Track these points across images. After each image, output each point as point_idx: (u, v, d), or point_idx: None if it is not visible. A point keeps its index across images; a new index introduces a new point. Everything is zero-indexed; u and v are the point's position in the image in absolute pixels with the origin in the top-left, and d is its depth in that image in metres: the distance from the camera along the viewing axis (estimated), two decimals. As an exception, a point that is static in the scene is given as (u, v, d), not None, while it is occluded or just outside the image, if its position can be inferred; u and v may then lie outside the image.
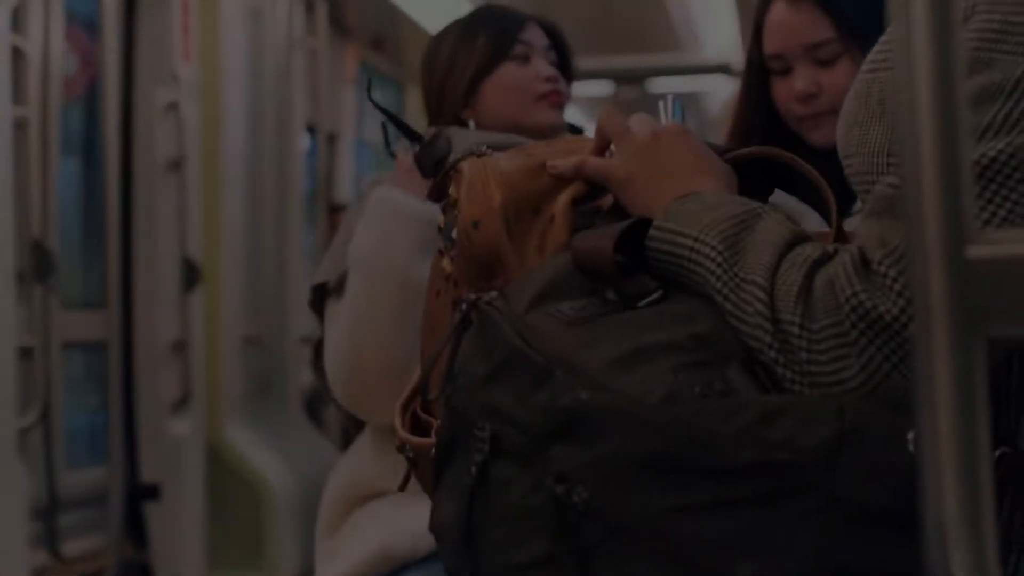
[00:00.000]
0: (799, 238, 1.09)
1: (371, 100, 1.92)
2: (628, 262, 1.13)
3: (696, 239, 1.10)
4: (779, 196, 1.91)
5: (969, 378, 0.72)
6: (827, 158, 1.37)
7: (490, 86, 2.08)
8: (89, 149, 4.47)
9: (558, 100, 2.09)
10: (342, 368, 1.89)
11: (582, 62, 2.32)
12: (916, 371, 0.72)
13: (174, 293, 4.57)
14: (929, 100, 0.70)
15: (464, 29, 2.12)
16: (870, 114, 1.13)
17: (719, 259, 1.09)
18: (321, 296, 2.02)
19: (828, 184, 1.20)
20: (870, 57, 1.17)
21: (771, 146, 1.78)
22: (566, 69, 2.18)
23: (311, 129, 5.94)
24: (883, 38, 1.19)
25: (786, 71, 1.94)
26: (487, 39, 2.09)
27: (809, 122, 1.93)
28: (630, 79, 8.26)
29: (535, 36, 2.12)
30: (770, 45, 1.95)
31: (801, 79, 1.91)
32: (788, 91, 1.93)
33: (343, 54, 6.68)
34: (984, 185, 1.01)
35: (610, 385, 1.03)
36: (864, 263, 1.02)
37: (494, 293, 1.15)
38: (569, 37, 2.22)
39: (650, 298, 1.11)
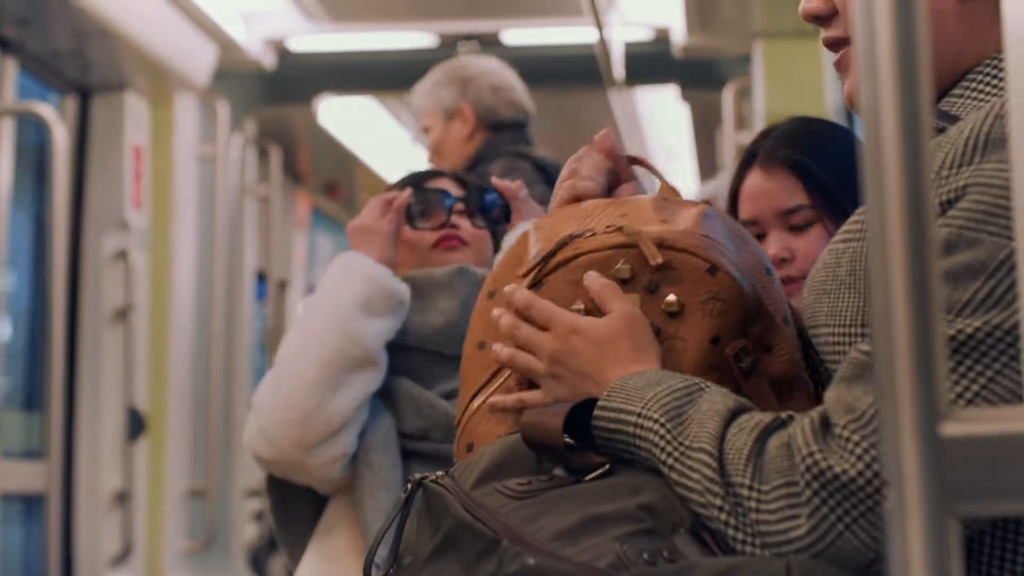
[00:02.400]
0: (743, 407, 1.12)
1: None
2: (576, 440, 1.15)
3: (639, 414, 1.14)
4: None
5: (943, 557, 0.72)
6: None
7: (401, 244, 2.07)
8: (35, 295, 4.42)
9: (452, 244, 2.08)
10: (259, 405, 1.87)
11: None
12: (889, 549, 0.72)
13: (118, 442, 4.48)
14: (903, 278, 0.70)
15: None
16: (839, 284, 1.15)
17: (662, 431, 1.11)
18: None
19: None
20: (842, 228, 1.19)
21: None
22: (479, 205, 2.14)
23: (261, 275, 5.92)
24: (856, 211, 1.20)
25: (760, 238, 1.95)
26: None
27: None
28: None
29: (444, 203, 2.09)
30: (744, 211, 1.98)
31: (774, 244, 1.93)
32: None
33: (295, 199, 6.71)
34: (959, 360, 1.02)
35: (557, 553, 1.03)
36: (824, 426, 1.04)
37: (440, 472, 1.18)
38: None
39: (597, 472, 1.13)
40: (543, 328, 1.28)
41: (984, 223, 1.04)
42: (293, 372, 1.84)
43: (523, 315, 1.30)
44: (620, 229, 1.32)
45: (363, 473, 1.85)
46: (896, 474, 0.72)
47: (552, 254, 1.32)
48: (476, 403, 1.35)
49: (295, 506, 1.97)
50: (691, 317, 1.29)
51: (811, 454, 1.03)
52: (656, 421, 1.12)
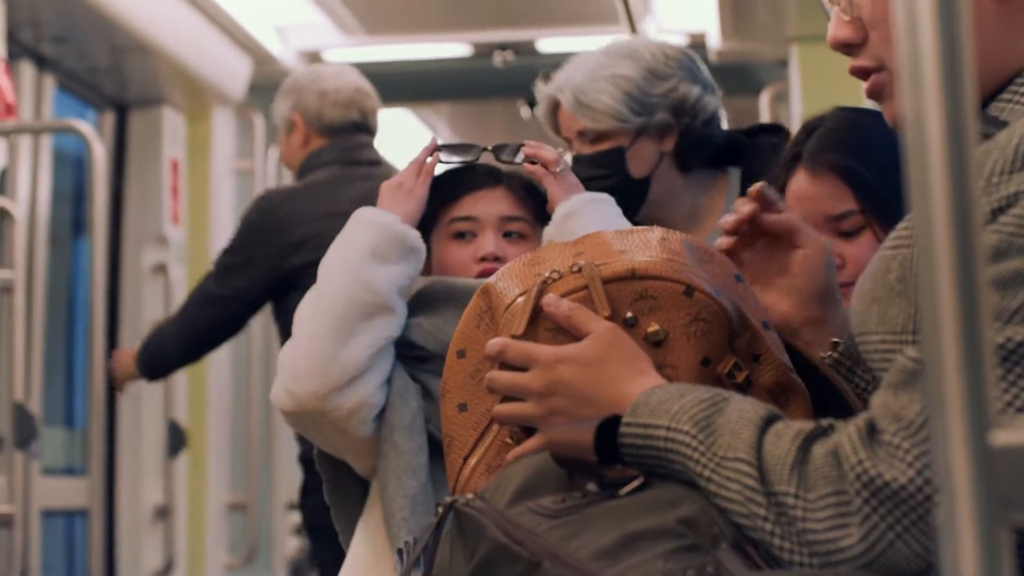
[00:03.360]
0: (774, 415, 1.11)
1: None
2: (603, 458, 1.14)
3: (668, 428, 1.12)
4: None
5: (995, 567, 0.72)
6: None
7: (434, 258, 2.00)
8: (73, 307, 4.45)
9: (493, 271, 2.00)
10: (281, 362, 1.87)
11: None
12: (941, 559, 0.72)
13: (158, 457, 4.50)
14: (951, 286, 0.69)
15: (435, 180, 2.06)
16: (889, 290, 1.13)
17: (694, 443, 1.10)
18: None
19: None
20: (892, 235, 1.18)
21: None
22: (541, 213, 2.04)
23: (299, 289, 5.93)
24: (906, 217, 1.19)
25: None
26: (436, 207, 1.99)
27: None
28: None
29: (485, 208, 1.99)
30: (791, 208, 1.94)
31: None
32: None
33: (331, 214, 6.71)
34: (1008, 368, 1.01)
35: (600, 574, 1.02)
36: (871, 434, 1.03)
37: (471, 495, 1.16)
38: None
39: (631, 486, 1.12)
40: (524, 369, 1.26)
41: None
42: (310, 327, 1.85)
43: (501, 362, 1.28)
44: (580, 270, 1.29)
45: (387, 453, 1.84)
46: (947, 484, 0.72)
47: (536, 307, 1.29)
48: (471, 463, 1.34)
49: (345, 483, 1.96)
50: (676, 343, 1.27)
51: (860, 462, 1.02)
52: (687, 433, 1.11)
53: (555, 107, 2.34)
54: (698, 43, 5.52)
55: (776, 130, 2.42)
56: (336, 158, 3.34)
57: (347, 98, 3.38)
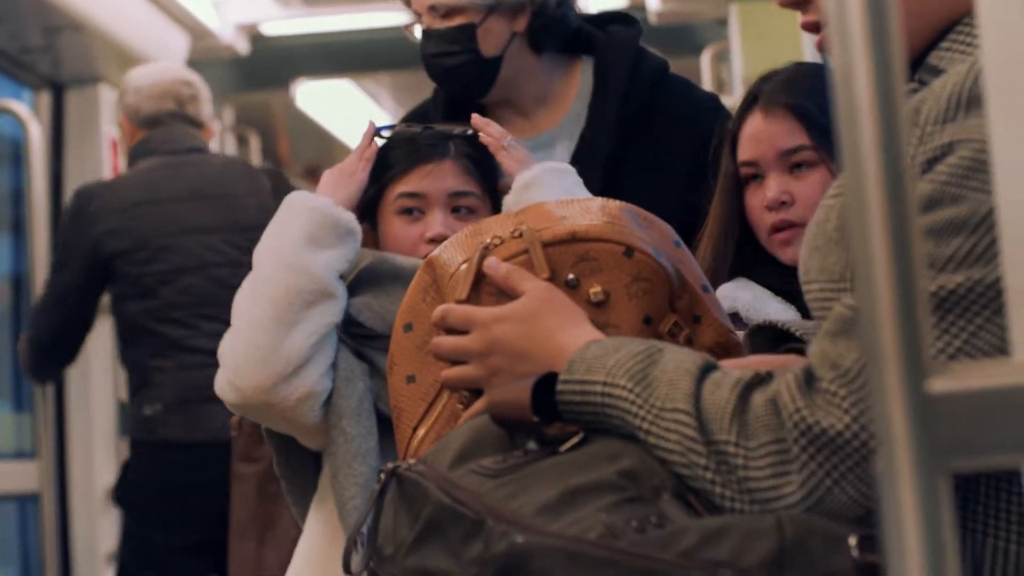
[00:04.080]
0: (710, 364, 1.12)
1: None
2: (543, 416, 1.14)
3: (605, 383, 1.12)
4: (743, 282, 1.91)
5: (935, 513, 0.72)
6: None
7: (381, 235, 1.98)
8: (18, 290, 4.40)
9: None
10: (221, 356, 1.83)
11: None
12: (881, 506, 0.72)
13: (109, 439, 4.46)
14: (883, 234, 0.69)
15: (378, 158, 2.04)
16: (827, 239, 1.13)
17: (631, 396, 1.11)
18: None
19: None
20: (833, 184, 1.18)
21: (743, 257, 1.91)
22: (490, 185, 2.01)
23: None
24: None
25: (757, 179, 1.94)
26: (381, 186, 1.96)
27: (779, 237, 1.92)
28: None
29: (433, 184, 1.95)
30: (744, 152, 1.96)
31: (773, 187, 1.91)
32: (760, 200, 1.93)
33: (276, 187, 6.67)
34: (941, 316, 1.02)
35: (544, 528, 1.03)
36: (808, 382, 1.04)
37: (412, 460, 1.17)
38: None
39: (571, 442, 1.12)
40: (465, 332, 1.27)
41: (967, 179, 1.04)
42: (249, 316, 1.81)
43: (444, 329, 1.30)
44: (522, 235, 1.31)
45: (336, 440, 1.81)
46: (885, 432, 0.72)
47: (479, 272, 1.31)
48: (419, 434, 1.35)
49: (295, 456, 1.95)
50: (618, 303, 1.29)
51: (798, 410, 1.03)
52: (623, 388, 1.11)
53: None
54: (638, 4, 5.51)
55: (629, 21, 2.39)
56: (154, 148, 3.41)
57: (162, 90, 3.44)
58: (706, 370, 1.11)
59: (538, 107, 2.31)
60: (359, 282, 1.88)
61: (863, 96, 0.72)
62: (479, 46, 2.23)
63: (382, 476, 1.15)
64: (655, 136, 2.25)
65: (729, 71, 5.39)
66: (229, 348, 1.83)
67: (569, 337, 1.20)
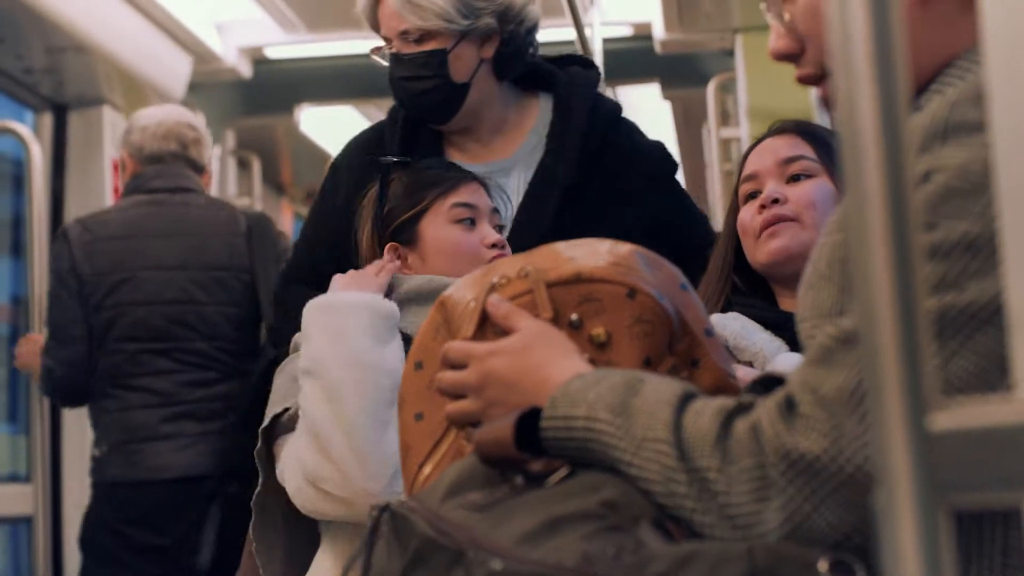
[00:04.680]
0: (690, 392, 1.12)
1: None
2: (530, 451, 1.16)
3: (587, 417, 1.13)
4: (734, 314, 1.91)
5: (935, 549, 0.72)
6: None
7: (433, 244, 2.03)
8: (16, 311, 4.39)
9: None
10: (309, 471, 1.81)
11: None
12: (881, 543, 0.72)
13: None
14: (886, 272, 0.68)
15: (410, 180, 2.07)
16: (819, 277, 1.14)
17: (612, 429, 1.12)
18: (269, 440, 1.94)
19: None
20: (825, 225, 1.18)
21: (741, 286, 1.97)
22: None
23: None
24: (837, 208, 1.20)
25: (757, 196, 1.95)
26: (432, 198, 2.03)
27: (768, 231, 1.91)
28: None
29: (480, 199, 2.06)
30: (748, 165, 1.98)
31: (768, 188, 1.92)
32: (752, 211, 1.93)
33: (278, 210, 6.68)
34: None
35: (523, 557, 1.05)
36: (788, 407, 1.04)
37: (405, 498, 1.20)
38: None
39: (558, 475, 1.14)
40: (464, 367, 1.29)
41: (939, 206, 1.04)
42: (336, 424, 1.80)
43: (447, 365, 1.31)
44: (528, 275, 1.34)
45: None
46: (886, 468, 0.72)
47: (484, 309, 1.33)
48: (425, 471, 1.37)
49: (269, 514, 1.94)
50: (620, 344, 1.31)
51: (777, 435, 1.03)
52: (604, 421, 1.12)
53: (376, 2, 2.33)
54: (643, 33, 5.52)
55: (588, 64, 2.46)
56: (143, 185, 3.47)
57: (167, 130, 3.51)
58: (686, 399, 1.11)
59: (494, 135, 2.34)
60: (407, 302, 1.93)
61: (867, 125, 0.71)
62: (449, 71, 2.26)
63: (375, 513, 1.17)
64: (610, 172, 2.29)
65: (734, 102, 5.39)
66: (316, 462, 1.81)
67: (556, 370, 1.21)
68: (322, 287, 1.97)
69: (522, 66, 2.34)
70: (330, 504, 1.82)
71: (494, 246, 2.02)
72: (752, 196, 1.95)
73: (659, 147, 2.42)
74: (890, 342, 0.70)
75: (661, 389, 1.13)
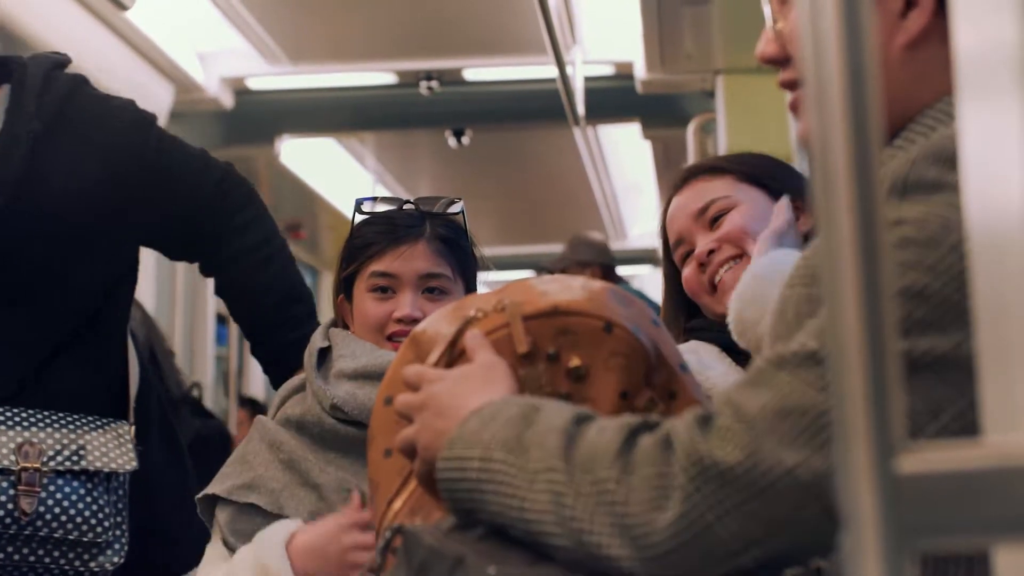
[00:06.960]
0: (584, 415, 1.12)
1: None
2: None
3: (481, 458, 1.14)
4: (692, 345, 1.92)
5: None
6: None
7: (356, 307, 1.98)
8: None
9: (407, 333, 1.94)
10: None
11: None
12: None
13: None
14: (856, 316, 0.68)
15: (356, 236, 2.02)
16: (787, 327, 1.14)
17: (506, 468, 1.12)
18: (211, 505, 1.92)
19: None
20: (790, 274, 1.19)
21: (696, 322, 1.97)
22: (463, 265, 2.01)
23: (222, 319, 5.87)
24: (801, 256, 1.21)
25: (690, 253, 1.95)
26: (360, 263, 1.98)
27: (719, 287, 1.91)
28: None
29: (407, 265, 1.96)
30: (671, 233, 1.98)
31: (700, 245, 1.92)
32: (691, 272, 1.93)
33: (257, 243, 6.66)
34: None
35: (519, 563, 1.08)
36: (706, 420, 1.04)
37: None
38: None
39: None
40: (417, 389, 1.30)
41: (895, 254, 1.05)
42: None
43: (407, 388, 1.32)
44: (504, 308, 1.34)
45: None
46: (853, 511, 0.71)
47: (455, 340, 1.33)
48: (395, 507, 1.36)
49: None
50: (596, 377, 1.31)
51: (692, 440, 1.03)
52: (500, 461, 1.12)
53: None
54: (625, 73, 5.55)
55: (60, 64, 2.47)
56: None
57: None
58: (579, 421, 1.11)
59: None
60: (353, 377, 1.90)
61: (839, 166, 0.71)
62: None
63: (387, 534, 1.21)
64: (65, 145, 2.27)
65: (714, 143, 5.42)
66: None
67: (476, 400, 1.20)
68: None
69: None
70: None
71: (400, 321, 1.94)
72: (688, 256, 1.96)
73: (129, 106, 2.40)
74: (859, 385, 0.70)
75: (553, 417, 1.13)
